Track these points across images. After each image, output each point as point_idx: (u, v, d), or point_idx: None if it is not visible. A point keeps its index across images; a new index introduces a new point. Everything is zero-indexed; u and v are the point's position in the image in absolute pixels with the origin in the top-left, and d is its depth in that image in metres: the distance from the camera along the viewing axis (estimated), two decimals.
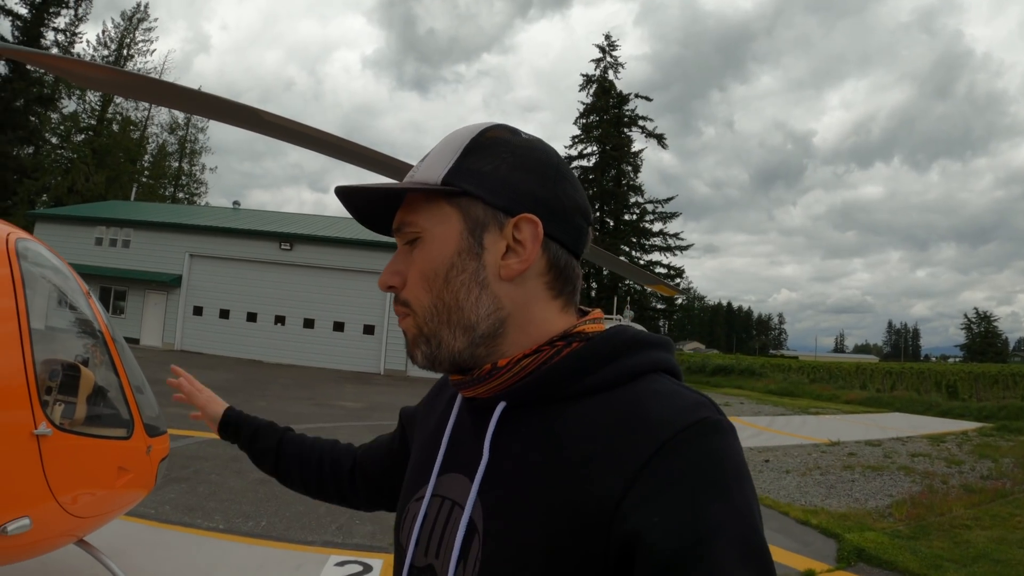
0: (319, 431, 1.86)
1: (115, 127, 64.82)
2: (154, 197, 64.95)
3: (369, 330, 33.00)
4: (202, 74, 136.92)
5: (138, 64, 66.73)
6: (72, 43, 61.67)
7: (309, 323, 33.08)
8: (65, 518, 3.53)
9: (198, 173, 75.24)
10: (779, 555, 6.94)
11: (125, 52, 66.24)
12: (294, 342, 33.13)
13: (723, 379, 40.09)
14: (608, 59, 65.97)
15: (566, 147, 64.57)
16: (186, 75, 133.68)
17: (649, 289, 53.88)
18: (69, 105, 62.12)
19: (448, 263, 1.05)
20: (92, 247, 36.19)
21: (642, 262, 60.23)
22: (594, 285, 60.11)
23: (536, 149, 1.10)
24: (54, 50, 58.63)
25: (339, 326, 33.13)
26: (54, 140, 61.83)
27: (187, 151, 73.99)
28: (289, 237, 33.72)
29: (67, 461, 3.43)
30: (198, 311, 34.38)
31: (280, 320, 33.60)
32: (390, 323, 32.21)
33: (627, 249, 60.15)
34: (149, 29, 68.75)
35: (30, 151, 59.30)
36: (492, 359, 1.06)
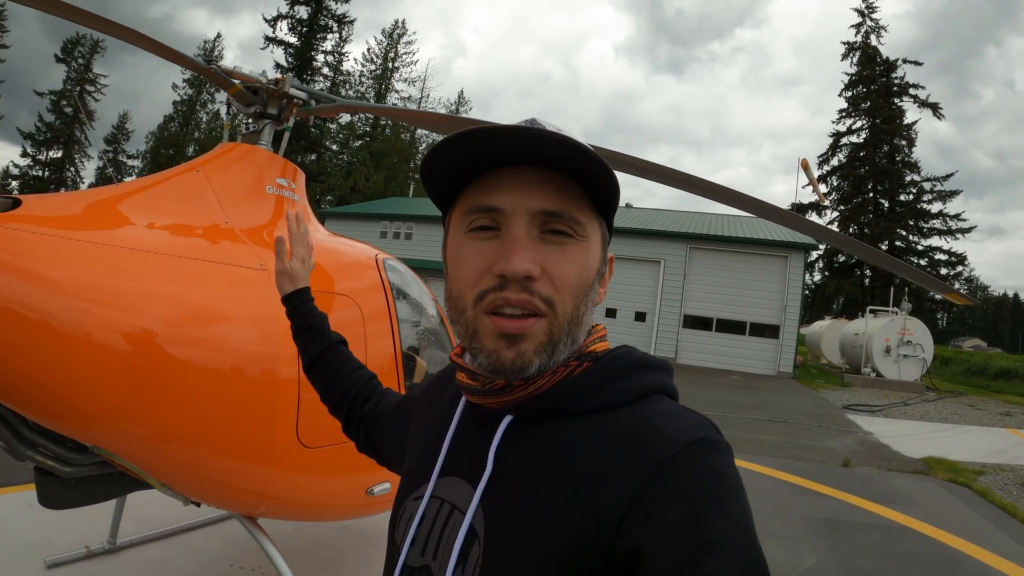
0: None
1: (387, 132, 68.74)
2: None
3: (640, 317, 33.01)
4: (462, 77, 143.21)
5: (402, 74, 71.64)
6: (340, 63, 67.74)
7: None
8: None
9: None
10: None
11: (390, 66, 70.95)
12: None
13: (1005, 384, 33.83)
14: (868, 23, 61.24)
15: (832, 122, 61.19)
16: (447, 79, 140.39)
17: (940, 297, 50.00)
18: (344, 116, 66.71)
19: (592, 277, 1.06)
20: (378, 240, 39.60)
21: (920, 247, 56.35)
22: (868, 273, 57.04)
23: None
24: (325, 70, 65.59)
25: (611, 312, 33.25)
26: (334, 147, 67.24)
27: None
28: None
29: None
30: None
31: None
32: (662, 310, 32.34)
33: (904, 233, 55.80)
34: (409, 42, 73.47)
35: (313, 158, 64.68)
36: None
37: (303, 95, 4.13)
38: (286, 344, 3.04)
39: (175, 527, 5.19)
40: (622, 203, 48.77)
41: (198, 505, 3.40)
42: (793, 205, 56.60)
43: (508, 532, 0.98)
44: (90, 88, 75.61)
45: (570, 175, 1.01)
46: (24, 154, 73.08)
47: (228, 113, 4.24)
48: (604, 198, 1.06)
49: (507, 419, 1.07)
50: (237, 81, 3.96)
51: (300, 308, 1.84)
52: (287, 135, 4.12)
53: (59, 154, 74.47)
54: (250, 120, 4.18)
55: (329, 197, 62.82)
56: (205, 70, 3.80)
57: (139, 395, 2.67)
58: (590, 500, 0.93)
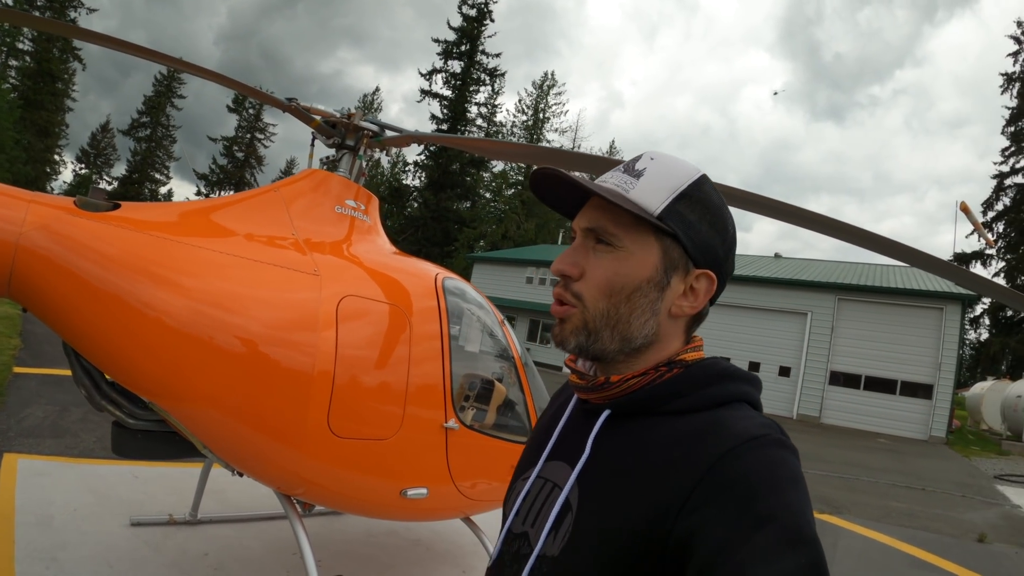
0: None
1: None
2: None
3: (784, 372, 31.63)
4: (619, 127, 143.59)
5: (553, 124, 73.16)
6: (493, 114, 70.70)
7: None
8: (457, 496, 4.26)
9: None
10: None
11: (540, 116, 72.41)
12: None
13: None
14: None
15: (995, 163, 56.47)
16: (603, 130, 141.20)
17: None
18: (498, 165, 68.70)
19: (636, 284, 1.21)
20: (523, 285, 41.24)
21: None
22: None
23: (726, 214, 1.27)
24: (479, 121, 69.00)
25: (754, 366, 31.82)
26: (487, 195, 69.59)
27: None
28: None
29: (467, 452, 4.20)
30: None
31: None
32: (807, 365, 31.16)
33: None
34: (559, 93, 76.14)
35: (467, 205, 67.76)
36: (625, 365, 1.26)
37: (374, 127, 4.57)
38: (324, 340, 3.49)
39: (256, 513, 5.69)
40: (770, 253, 47.68)
41: (241, 475, 3.81)
42: (955, 255, 52.82)
43: (596, 507, 1.16)
44: (260, 136, 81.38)
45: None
46: (198, 193, 79.88)
47: (312, 144, 4.72)
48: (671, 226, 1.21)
49: (605, 413, 1.25)
50: (317, 117, 4.45)
51: None
52: (358, 162, 4.56)
53: (231, 194, 79.98)
54: (333, 150, 4.68)
55: (481, 243, 64.43)
56: (288, 107, 4.33)
57: (185, 362, 3.18)
58: (661, 487, 1.07)
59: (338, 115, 4.47)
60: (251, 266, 3.47)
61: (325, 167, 4.55)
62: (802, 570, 0.91)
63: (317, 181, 4.26)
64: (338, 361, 3.51)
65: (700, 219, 1.22)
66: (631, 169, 1.25)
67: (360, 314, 3.72)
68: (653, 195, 1.20)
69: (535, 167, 1.30)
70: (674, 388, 1.20)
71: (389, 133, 4.62)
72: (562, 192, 1.29)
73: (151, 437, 3.81)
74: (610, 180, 1.26)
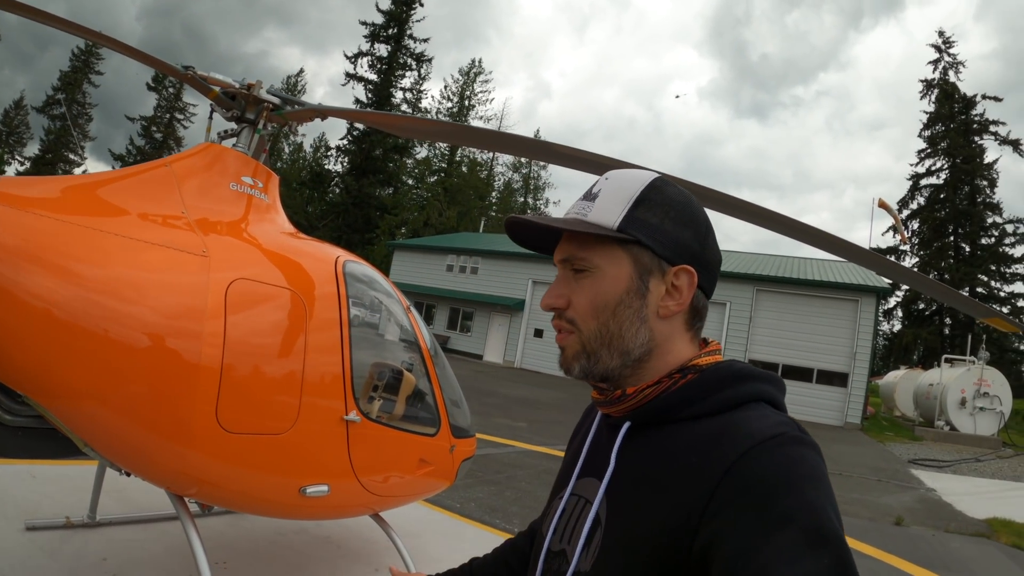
0: None
1: (464, 168, 70.02)
2: (502, 229, 69.58)
3: None
4: (546, 116, 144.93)
5: (478, 112, 73.74)
6: (419, 100, 70.47)
7: None
8: (362, 493, 4.03)
9: (542, 207, 79.15)
10: None
11: (466, 103, 72.94)
12: None
13: None
14: (946, 58, 60.11)
15: (911, 164, 59.65)
16: (530, 119, 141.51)
17: (983, 323, 47.15)
18: (422, 151, 68.48)
19: (617, 299, 1.24)
20: (444, 273, 41.25)
21: (1003, 294, 54.44)
22: (947, 321, 55.38)
23: (692, 205, 1.29)
24: (404, 107, 68.13)
25: None
26: (410, 182, 69.49)
27: (531, 187, 78.76)
28: None
29: (371, 446, 3.97)
30: (539, 333, 36.31)
31: None
32: (726, 354, 31.05)
33: (985, 279, 53.94)
34: (486, 81, 76.16)
35: (390, 191, 67.12)
36: (634, 378, 1.26)
37: (275, 100, 4.26)
38: (211, 327, 3.20)
39: (159, 514, 5.35)
40: None
41: (128, 475, 3.52)
42: (871, 250, 54.46)
43: (621, 520, 1.17)
44: (179, 116, 79.02)
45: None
46: None
47: (211, 117, 4.38)
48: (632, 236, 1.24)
49: (626, 425, 1.27)
50: (215, 87, 4.14)
51: None
52: (257, 137, 4.27)
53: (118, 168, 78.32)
54: (234, 124, 4.35)
55: (402, 230, 63.91)
56: (184, 76, 4.02)
57: (56, 352, 2.87)
58: (681, 493, 1.07)
59: (237, 85, 4.15)
60: (133, 246, 3.15)
61: (222, 141, 4.23)
62: (826, 570, 0.89)
63: (212, 156, 3.94)
64: (227, 350, 3.23)
65: (662, 219, 1.25)
66: (588, 194, 1.30)
67: (252, 299, 3.44)
68: (610, 210, 1.25)
69: (507, 216, 1.39)
70: (689, 393, 1.21)
71: (292, 107, 4.33)
72: (536, 233, 1.35)
73: (31, 434, 3.53)
74: (571, 210, 1.32)
